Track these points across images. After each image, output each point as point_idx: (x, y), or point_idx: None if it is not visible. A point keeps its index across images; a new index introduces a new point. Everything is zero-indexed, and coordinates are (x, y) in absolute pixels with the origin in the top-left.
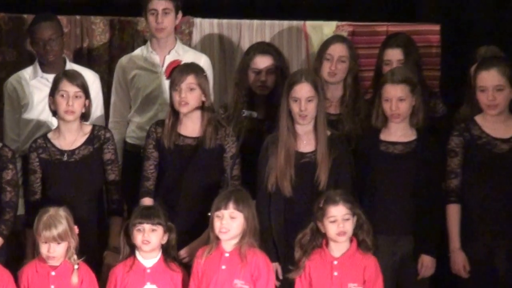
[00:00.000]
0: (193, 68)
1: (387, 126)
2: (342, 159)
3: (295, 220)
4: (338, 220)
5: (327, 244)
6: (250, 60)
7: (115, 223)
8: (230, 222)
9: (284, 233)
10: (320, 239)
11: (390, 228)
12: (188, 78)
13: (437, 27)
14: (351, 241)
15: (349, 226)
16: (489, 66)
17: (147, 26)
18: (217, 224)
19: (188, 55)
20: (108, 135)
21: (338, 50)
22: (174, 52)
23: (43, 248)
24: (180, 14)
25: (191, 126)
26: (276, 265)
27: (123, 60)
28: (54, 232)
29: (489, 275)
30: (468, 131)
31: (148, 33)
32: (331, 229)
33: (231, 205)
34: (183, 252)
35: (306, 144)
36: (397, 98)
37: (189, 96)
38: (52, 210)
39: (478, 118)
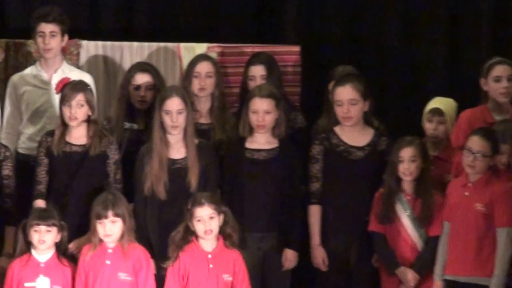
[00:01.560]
0: (83, 86)
1: (252, 135)
2: (210, 165)
3: (170, 220)
4: (204, 219)
5: (197, 240)
6: (131, 78)
7: (9, 232)
8: (112, 227)
9: (159, 232)
10: (191, 236)
11: (256, 226)
12: (78, 95)
13: (297, 48)
14: (218, 237)
15: (215, 224)
16: (345, 83)
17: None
18: (100, 230)
19: (73, 74)
20: (8, 153)
21: (204, 67)
22: (60, 71)
23: None
24: (66, 37)
25: (78, 136)
26: (152, 263)
27: (15, 77)
28: None
29: (345, 268)
30: (328, 140)
31: (37, 53)
32: (199, 228)
33: (110, 214)
34: (71, 246)
35: (177, 151)
36: (264, 110)
37: (79, 111)
38: None
39: (337, 129)
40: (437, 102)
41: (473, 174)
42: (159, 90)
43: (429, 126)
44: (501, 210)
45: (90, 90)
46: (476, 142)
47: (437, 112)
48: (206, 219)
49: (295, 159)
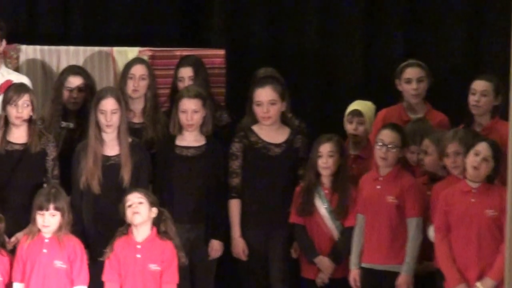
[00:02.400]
0: (27, 88)
1: (181, 133)
2: (141, 161)
3: (104, 213)
4: (134, 203)
5: (131, 231)
6: (64, 80)
7: None
8: (50, 219)
9: (94, 224)
10: (127, 227)
11: (184, 218)
12: (25, 96)
13: (222, 52)
14: (151, 228)
15: (143, 208)
16: (264, 84)
17: None
18: (39, 220)
19: (11, 76)
20: None
21: (138, 70)
22: None
23: None
24: (4, 42)
25: (19, 135)
26: (86, 253)
27: None
28: None
29: (264, 259)
30: (247, 137)
31: None
32: (129, 213)
33: (51, 206)
34: (13, 239)
35: (111, 149)
36: (192, 110)
37: (25, 111)
38: None
39: (255, 127)
40: (357, 105)
41: (385, 167)
42: (90, 91)
43: (349, 127)
44: (411, 202)
45: (33, 91)
46: (387, 135)
47: (356, 113)
48: (135, 203)
49: (221, 155)
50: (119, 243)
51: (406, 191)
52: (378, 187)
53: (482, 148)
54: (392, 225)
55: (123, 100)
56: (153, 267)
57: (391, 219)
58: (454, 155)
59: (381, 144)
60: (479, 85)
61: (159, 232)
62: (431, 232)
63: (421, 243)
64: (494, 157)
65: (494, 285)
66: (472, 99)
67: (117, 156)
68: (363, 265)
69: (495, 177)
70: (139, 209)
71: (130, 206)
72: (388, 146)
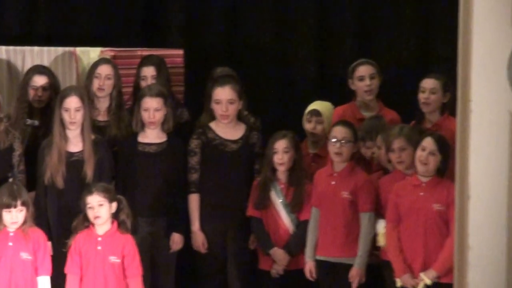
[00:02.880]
0: None
1: (144, 131)
2: (104, 158)
3: (67, 207)
4: (94, 206)
5: (93, 225)
6: (29, 79)
7: None
8: (17, 215)
9: (58, 218)
10: (89, 222)
11: (146, 212)
12: None
13: (180, 52)
14: (112, 222)
15: (103, 211)
16: (224, 84)
17: None
18: (7, 217)
19: None
20: None
21: (104, 70)
22: None
23: None
24: None
25: None
26: (49, 244)
27: None
28: None
29: (222, 252)
30: (205, 134)
31: None
32: (90, 214)
33: (18, 203)
34: None
35: (75, 145)
36: (154, 108)
37: None
38: None
39: (212, 124)
40: (316, 105)
41: (340, 162)
42: (54, 90)
43: (308, 126)
44: (363, 197)
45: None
46: (339, 130)
47: (315, 113)
48: (95, 206)
49: (181, 151)
50: (81, 236)
51: (359, 187)
52: (333, 182)
53: (428, 143)
54: (346, 220)
55: (86, 98)
56: (113, 259)
57: (345, 214)
58: (399, 150)
59: (334, 140)
60: (428, 83)
61: (119, 223)
62: (378, 225)
63: (373, 237)
64: (440, 151)
65: (437, 276)
66: (421, 97)
67: (81, 152)
68: (318, 257)
69: (444, 171)
70: (100, 212)
71: (91, 208)
72: (341, 141)
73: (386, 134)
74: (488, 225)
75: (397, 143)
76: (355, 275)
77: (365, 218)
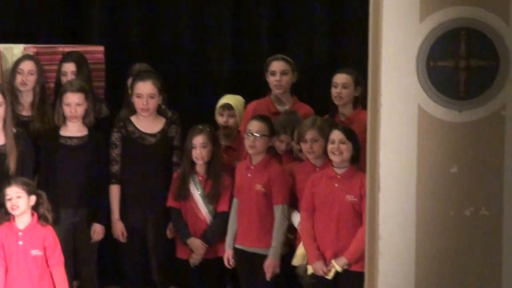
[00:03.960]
0: None
1: (66, 124)
2: (26, 151)
3: None
4: (12, 198)
5: (14, 218)
6: None
7: None
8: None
9: None
10: (9, 215)
11: (68, 203)
12: None
13: (101, 48)
14: (32, 215)
15: (22, 202)
16: (146, 78)
17: None
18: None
19: None
20: None
21: (27, 66)
22: None
23: None
24: None
25: None
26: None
27: None
28: None
29: (142, 241)
30: (125, 128)
31: None
32: (8, 205)
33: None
34: None
35: None
36: (75, 103)
37: None
38: None
39: (133, 118)
40: (227, 99)
41: (255, 154)
42: None
43: (220, 119)
44: (276, 190)
45: None
46: (254, 125)
47: (227, 107)
48: (14, 197)
49: (101, 144)
50: (2, 230)
51: (273, 180)
52: (249, 175)
53: (335, 134)
54: (260, 212)
55: (8, 93)
56: (35, 252)
57: (260, 205)
58: (311, 141)
59: (250, 134)
60: (340, 78)
61: (39, 216)
62: (293, 218)
63: (287, 228)
64: (349, 138)
65: (347, 263)
66: (334, 91)
67: (3, 146)
68: (237, 246)
69: (358, 158)
70: (18, 203)
71: (9, 199)
72: (256, 135)
73: (299, 126)
74: (398, 216)
75: (309, 134)
76: (269, 266)
77: (278, 210)
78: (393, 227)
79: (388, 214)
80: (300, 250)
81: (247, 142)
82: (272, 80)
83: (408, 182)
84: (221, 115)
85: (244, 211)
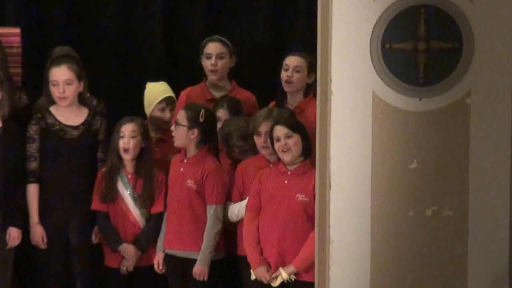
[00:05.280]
0: None
1: None
2: None
3: None
4: None
5: None
6: None
7: None
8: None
9: None
10: None
11: None
12: None
13: (17, 30)
14: None
15: None
16: (60, 63)
17: None
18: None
19: None
20: None
21: None
22: None
23: None
24: None
25: None
26: None
27: None
28: None
29: (64, 247)
30: (44, 119)
31: None
32: None
33: None
34: None
35: None
36: None
37: None
38: None
39: (52, 108)
40: (166, 91)
41: (179, 145)
42: None
43: (160, 114)
44: (209, 188)
45: None
46: (180, 115)
47: (170, 101)
48: None
49: (18, 139)
50: None
51: (206, 176)
52: (181, 169)
53: (278, 130)
54: (192, 211)
55: None
56: None
57: (192, 204)
58: (266, 135)
59: (175, 124)
60: (292, 60)
61: None
62: (230, 210)
63: (219, 231)
64: (295, 130)
65: (295, 272)
66: (284, 75)
67: None
68: (166, 250)
69: (309, 150)
70: None
71: None
72: (179, 125)
73: (253, 117)
74: (351, 217)
75: (264, 127)
76: (197, 272)
77: (210, 211)
78: (345, 230)
79: (340, 215)
80: (235, 217)
81: (173, 132)
82: (207, 64)
83: (362, 179)
84: (162, 109)
85: (175, 211)
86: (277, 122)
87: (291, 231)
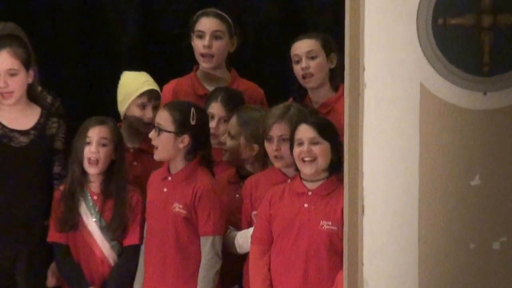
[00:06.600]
0: None
1: None
2: None
3: None
4: None
5: None
6: None
7: None
8: None
9: None
10: None
11: None
12: None
13: None
14: None
15: None
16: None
17: None
18: None
19: None
20: None
21: None
22: None
23: None
24: None
25: None
26: None
27: None
28: None
29: (10, 285)
30: None
31: None
32: None
33: None
34: None
35: None
36: None
37: None
38: None
39: None
40: (148, 84)
41: (159, 158)
42: None
43: (138, 112)
44: (204, 213)
45: None
46: (162, 117)
47: (154, 95)
48: None
49: None
50: None
51: (199, 198)
52: (165, 189)
53: (303, 132)
54: (181, 245)
55: None
56: None
57: (179, 235)
58: (280, 141)
59: (156, 128)
60: (301, 46)
61: None
62: (238, 242)
63: (219, 269)
64: (324, 137)
65: None
66: (298, 69)
67: None
68: None
69: (339, 166)
70: None
71: None
72: (160, 129)
73: (262, 116)
74: (391, 251)
75: (277, 130)
76: None
77: (206, 244)
78: (383, 269)
79: (376, 250)
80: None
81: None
82: (198, 45)
83: (406, 200)
84: (142, 106)
85: (156, 243)
86: (303, 120)
87: (315, 268)
